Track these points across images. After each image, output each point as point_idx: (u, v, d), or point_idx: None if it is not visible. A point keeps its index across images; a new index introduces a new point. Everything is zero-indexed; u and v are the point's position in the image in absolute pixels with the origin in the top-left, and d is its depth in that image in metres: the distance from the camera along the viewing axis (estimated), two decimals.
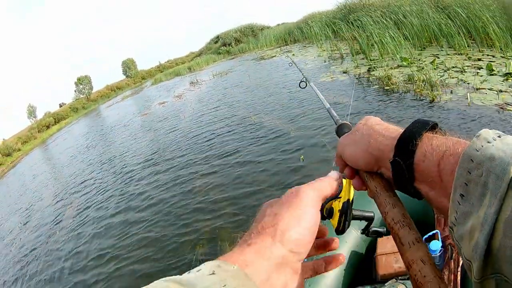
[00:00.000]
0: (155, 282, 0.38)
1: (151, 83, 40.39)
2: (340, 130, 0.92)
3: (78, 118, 37.82)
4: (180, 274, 0.40)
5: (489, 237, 0.34)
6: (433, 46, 9.90)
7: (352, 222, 0.78)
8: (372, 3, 15.80)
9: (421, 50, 9.89)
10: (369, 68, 9.64)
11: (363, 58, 11.04)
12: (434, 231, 2.13)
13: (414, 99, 6.36)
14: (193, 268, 0.41)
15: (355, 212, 0.74)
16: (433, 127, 0.53)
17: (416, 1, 11.96)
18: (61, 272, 5.22)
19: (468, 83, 6.14)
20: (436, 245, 2.01)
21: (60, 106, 61.35)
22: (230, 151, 7.07)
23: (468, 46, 8.43)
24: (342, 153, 0.68)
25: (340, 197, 0.73)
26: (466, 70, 6.79)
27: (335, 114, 1.09)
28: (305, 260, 0.54)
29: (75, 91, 56.24)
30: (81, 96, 55.42)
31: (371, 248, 2.52)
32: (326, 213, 0.73)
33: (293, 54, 17.90)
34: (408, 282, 2.12)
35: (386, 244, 2.38)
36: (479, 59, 7.33)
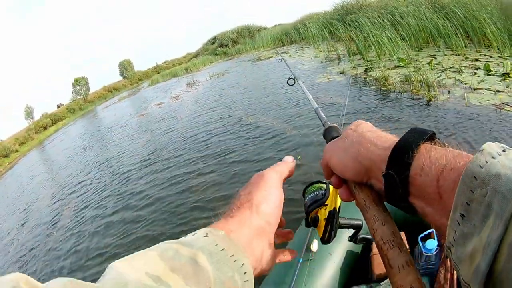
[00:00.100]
0: (160, 243, 0.47)
1: (148, 84, 40.59)
2: (328, 134, 0.86)
3: (75, 119, 38.01)
4: None
5: (491, 261, 0.32)
6: (430, 47, 9.88)
7: None
8: (369, 4, 15.82)
9: (418, 50, 9.86)
10: (366, 68, 9.59)
11: (360, 59, 11.01)
12: (430, 230, 2.09)
13: (411, 100, 6.32)
14: None
15: (342, 221, 0.72)
16: (431, 137, 0.49)
17: (413, 1, 11.97)
18: (60, 272, 5.22)
19: (465, 84, 6.11)
20: (432, 244, 1.98)
21: (58, 106, 61.41)
22: (227, 151, 7.05)
23: (465, 47, 8.42)
24: (329, 161, 0.64)
25: (327, 205, 0.72)
26: (463, 71, 6.77)
27: (323, 116, 1.03)
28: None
29: (72, 92, 56.41)
30: (78, 97, 55.65)
31: (367, 247, 2.49)
32: (311, 221, 0.73)
33: (290, 55, 17.85)
34: None
35: None
36: (477, 60, 7.31)
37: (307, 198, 0.77)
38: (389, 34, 10.17)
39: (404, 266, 0.44)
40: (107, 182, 8.29)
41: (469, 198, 0.34)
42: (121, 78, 64.19)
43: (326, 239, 0.69)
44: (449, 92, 6.02)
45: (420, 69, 7.66)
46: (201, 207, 5.24)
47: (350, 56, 11.70)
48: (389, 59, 9.55)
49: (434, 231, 2.09)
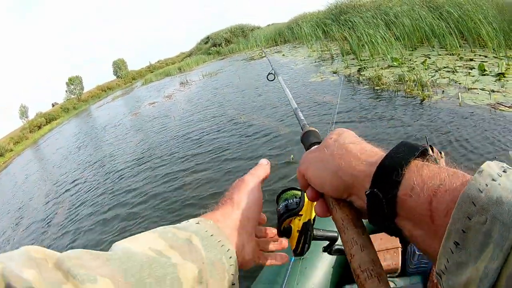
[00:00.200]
0: (158, 228, 0.56)
1: (141, 83, 40.58)
2: (306, 139, 0.78)
3: (69, 119, 38.32)
4: None
5: None
6: (425, 47, 9.86)
7: None
8: (363, 3, 15.82)
9: (412, 50, 9.82)
10: (359, 68, 9.51)
11: (353, 59, 10.93)
12: None
13: (405, 99, 6.26)
14: None
15: (316, 233, 0.70)
16: (423, 153, 0.43)
17: (407, 1, 11.97)
18: None
19: (459, 83, 6.05)
20: None
21: (53, 105, 61.30)
22: (220, 149, 7.03)
23: (460, 47, 8.38)
24: (305, 172, 0.58)
25: (301, 215, 0.69)
26: (457, 70, 6.71)
27: (302, 118, 0.94)
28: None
29: (66, 91, 56.30)
30: (72, 96, 55.54)
31: None
32: (283, 230, 0.71)
33: (283, 55, 17.84)
34: (397, 280, 2.11)
35: (373, 242, 2.27)
36: (471, 60, 7.27)
37: (280, 206, 0.74)
38: (383, 34, 10.13)
39: None
40: (101, 181, 8.31)
41: (465, 225, 0.31)
42: (114, 77, 64.09)
43: (299, 252, 0.67)
44: (443, 92, 5.96)
45: (414, 68, 7.61)
46: (195, 204, 5.23)
47: (343, 56, 11.62)
48: (383, 59, 9.50)
49: None
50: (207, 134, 8.42)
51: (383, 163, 0.43)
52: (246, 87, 12.87)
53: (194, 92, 16.84)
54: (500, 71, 5.95)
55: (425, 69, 7.45)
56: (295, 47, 20.20)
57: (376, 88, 7.32)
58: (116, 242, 0.49)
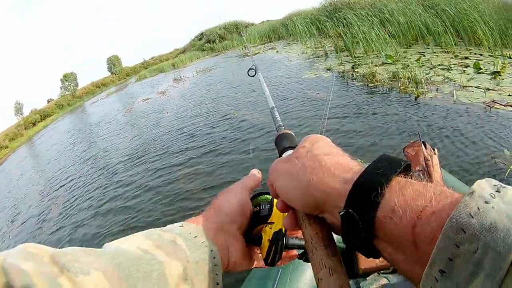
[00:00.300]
0: (144, 230, 0.58)
1: (135, 79, 40.44)
2: (279, 143, 0.72)
3: (64, 115, 38.28)
4: None
5: None
6: (419, 44, 9.83)
7: None
8: (357, 1, 15.78)
9: (406, 48, 9.79)
10: (353, 65, 9.45)
11: (347, 55, 10.86)
12: None
13: (399, 96, 6.19)
14: None
15: (289, 241, 0.62)
16: (406, 168, 0.38)
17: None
18: None
19: (454, 81, 6.02)
20: None
21: (48, 102, 61.13)
22: (214, 144, 6.97)
23: (455, 45, 8.37)
24: (273, 183, 0.54)
25: (273, 223, 0.65)
26: (452, 68, 6.67)
27: (278, 118, 0.89)
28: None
29: (60, 87, 55.99)
30: (67, 92, 55.27)
31: None
32: (253, 238, 0.66)
33: (277, 51, 17.76)
34: (391, 276, 2.04)
35: None
36: (466, 58, 7.24)
37: (252, 211, 0.69)
38: (377, 31, 10.10)
39: None
40: (95, 176, 8.24)
41: (453, 253, 0.27)
42: (108, 73, 63.85)
43: (270, 262, 0.60)
44: (437, 89, 5.91)
45: (408, 66, 7.56)
46: (189, 198, 5.19)
47: (337, 53, 11.52)
48: (377, 56, 9.45)
49: None
50: (200, 130, 8.36)
51: (359, 180, 0.38)
52: (239, 83, 12.75)
53: (187, 88, 16.71)
54: (495, 70, 5.91)
55: (420, 66, 7.40)
56: (289, 43, 20.14)
57: (370, 85, 7.25)
58: (107, 243, 0.53)
